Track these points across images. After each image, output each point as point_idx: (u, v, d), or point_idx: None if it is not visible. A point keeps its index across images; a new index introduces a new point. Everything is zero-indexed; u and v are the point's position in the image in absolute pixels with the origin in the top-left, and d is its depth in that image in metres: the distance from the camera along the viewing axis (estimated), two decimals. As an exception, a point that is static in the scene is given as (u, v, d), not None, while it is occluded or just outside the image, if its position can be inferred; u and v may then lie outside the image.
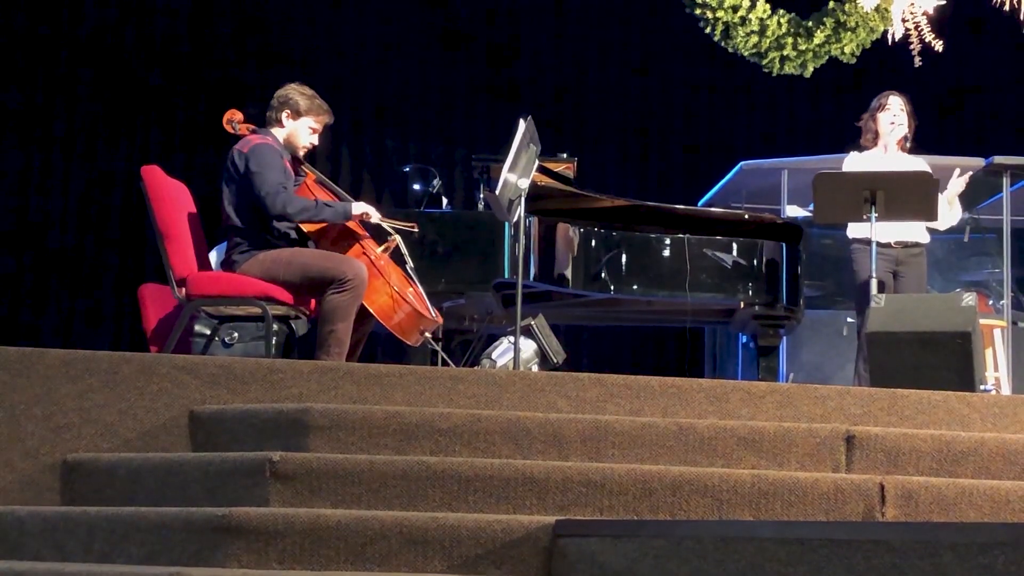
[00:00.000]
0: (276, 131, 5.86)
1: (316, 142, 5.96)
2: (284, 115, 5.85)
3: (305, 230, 5.78)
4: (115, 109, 9.65)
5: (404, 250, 5.95)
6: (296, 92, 5.87)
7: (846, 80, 9.58)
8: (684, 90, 10.47)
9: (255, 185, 5.63)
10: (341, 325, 5.54)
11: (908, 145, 7.01)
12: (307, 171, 5.94)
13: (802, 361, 8.41)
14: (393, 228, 5.96)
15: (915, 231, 6.90)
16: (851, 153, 7.05)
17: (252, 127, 5.91)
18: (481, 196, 7.33)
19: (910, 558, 2.80)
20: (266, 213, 5.66)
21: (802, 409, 4.70)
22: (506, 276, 6.68)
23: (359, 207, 5.80)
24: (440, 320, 6.00)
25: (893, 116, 6.93)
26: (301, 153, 5.92)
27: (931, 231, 6.99)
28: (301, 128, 5.87)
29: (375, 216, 5.82)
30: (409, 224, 6.09)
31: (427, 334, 5.85)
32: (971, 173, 6.98)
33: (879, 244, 6.60)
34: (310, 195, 5.82)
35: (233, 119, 5.98)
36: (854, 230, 6.90)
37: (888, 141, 6.94)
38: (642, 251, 6.95)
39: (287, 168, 5.78)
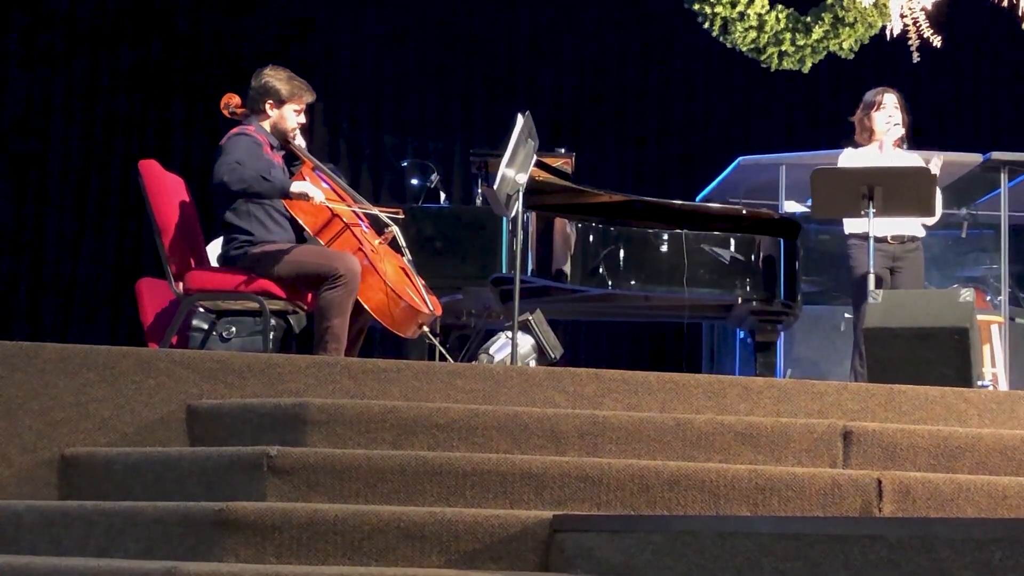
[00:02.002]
0: (261, 121, 5.84)
1: (304, 121, 5.94)
2: (267, 105, 5.84)
3: (300, 222, 5.76)
4: (113, 102, 9.65)
5: (402, 242, 5.94)
6: (274, 78, 5.83)
7: (844, 76, 9.58)
8: (682, 85, 10.47)
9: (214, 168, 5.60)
10: (337, 321, 5.53)
11: (905, 145, 7.01)
12: (304, 158, 5.92)
13: (799, 357, 8.42)
14: (375, 215, 5.94)
15: (911, 226, 6.90)
16: (846, 149, 7.05)
17: (247, 112, 5.90)
18: (479, 191, 7.33)
19: (907, 553, 2.80)
20: (211, 186, 5.60)
21: (799, 405, 4.70)
22: (504, 271, 6.68)
23: (298, 187, 5.59)
24: (439, 311, 5.99)
25: (888, 115, 6.92)
26: (292, 136, 5.89)
27: (924, 227, 6.99)
28: (286, 113, 5.85)
29: (317, 199, 5.62)
30: (393, 210, 6.06)
31: (425, 328, 5.84)
32: (941, 161, 6.91)
33: (875, 239, 6.59)
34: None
35: (230, 103, 5.97)
36: (850, 225, 6.90)
37: (884, 140, 6.94)
38: (640, 246, 6.95)
39: (266, 155, 5.72)
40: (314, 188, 5.64)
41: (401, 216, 6.03)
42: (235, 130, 5.77)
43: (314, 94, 5.92)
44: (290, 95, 5.83)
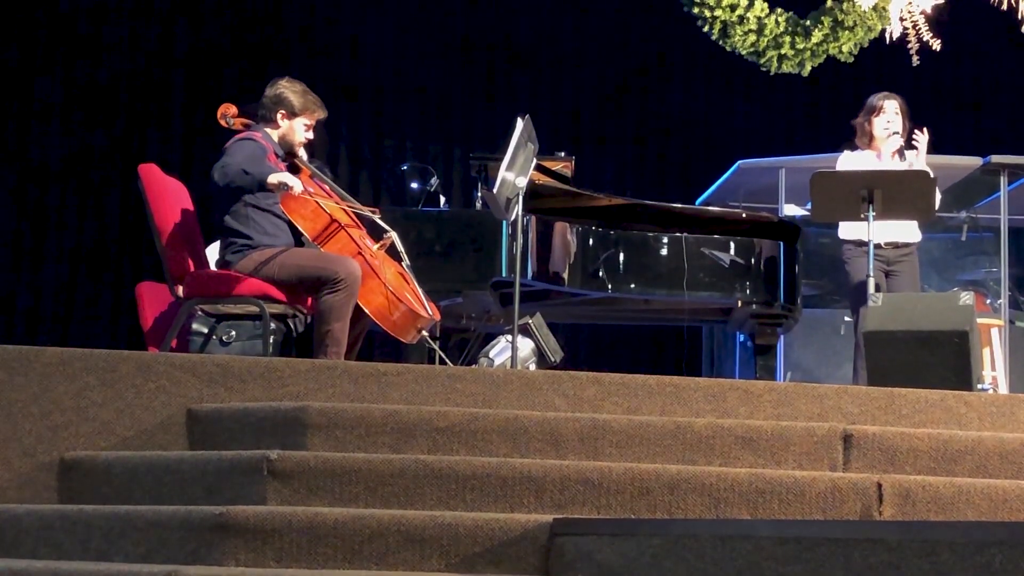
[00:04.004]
0: (270, 130, 5.84)
1: (311, 136, 5.94)
2: (279, 115, 5.83)
3: (299, 227, 5.75)
4: (114, 106, 9.65)
5: (400, 247, 5.95)
6: (289, 90, 5.84)
7: (844, 79, 9.58)
8: (682, 89, 10.48)
9: None
10: (337, 325, 5.53)
11: (903, 157, 6.97)
12: (302, 166, 5.92)
13: (799, 360, 8.42)
14: (356, 213, 5.94)
15: (905, 231, 6.90)
16: (844, 152, 7.05)
17: (246, 121, 5.90)
18: (479, 195, 7.33)
19: (908, 557, 2.80)
20: (209, 190, 5.63)
21: (799, 408, 4.70)
22: (504, 275, 6.69)
23: (275, 177, 5.50)
24: (438, 316, 5.99)
25: (887, 121, 6.90)
26: (298, 149, 5.90)
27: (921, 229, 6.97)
28: (297, 126, 5.85)
29: (297, 188, 5.54)
30: (371, 209, 6.07)
31: (424, 332, 5.84)
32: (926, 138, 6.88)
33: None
34: None
35: (227, 113, 5.97)
36: (845, 232, 6.89)
37: (882, 148, 6.92)
38: (640, 250, 6.95)
39: (269, 163, 5.70)
40: (293, 178, 5.59)
41: (378, 214, 6.02)
42: (243, 134, 5.77)
43: (326, 111, 5.92)
44: (303, 109, 5.83)
